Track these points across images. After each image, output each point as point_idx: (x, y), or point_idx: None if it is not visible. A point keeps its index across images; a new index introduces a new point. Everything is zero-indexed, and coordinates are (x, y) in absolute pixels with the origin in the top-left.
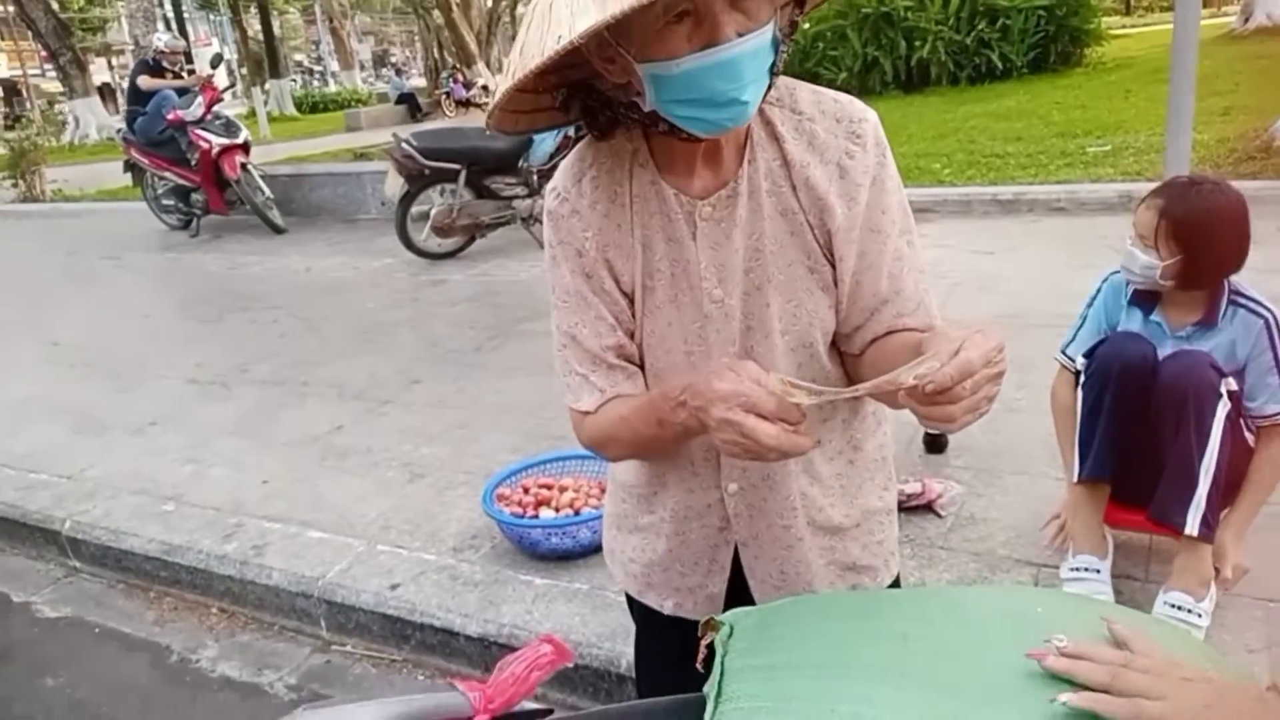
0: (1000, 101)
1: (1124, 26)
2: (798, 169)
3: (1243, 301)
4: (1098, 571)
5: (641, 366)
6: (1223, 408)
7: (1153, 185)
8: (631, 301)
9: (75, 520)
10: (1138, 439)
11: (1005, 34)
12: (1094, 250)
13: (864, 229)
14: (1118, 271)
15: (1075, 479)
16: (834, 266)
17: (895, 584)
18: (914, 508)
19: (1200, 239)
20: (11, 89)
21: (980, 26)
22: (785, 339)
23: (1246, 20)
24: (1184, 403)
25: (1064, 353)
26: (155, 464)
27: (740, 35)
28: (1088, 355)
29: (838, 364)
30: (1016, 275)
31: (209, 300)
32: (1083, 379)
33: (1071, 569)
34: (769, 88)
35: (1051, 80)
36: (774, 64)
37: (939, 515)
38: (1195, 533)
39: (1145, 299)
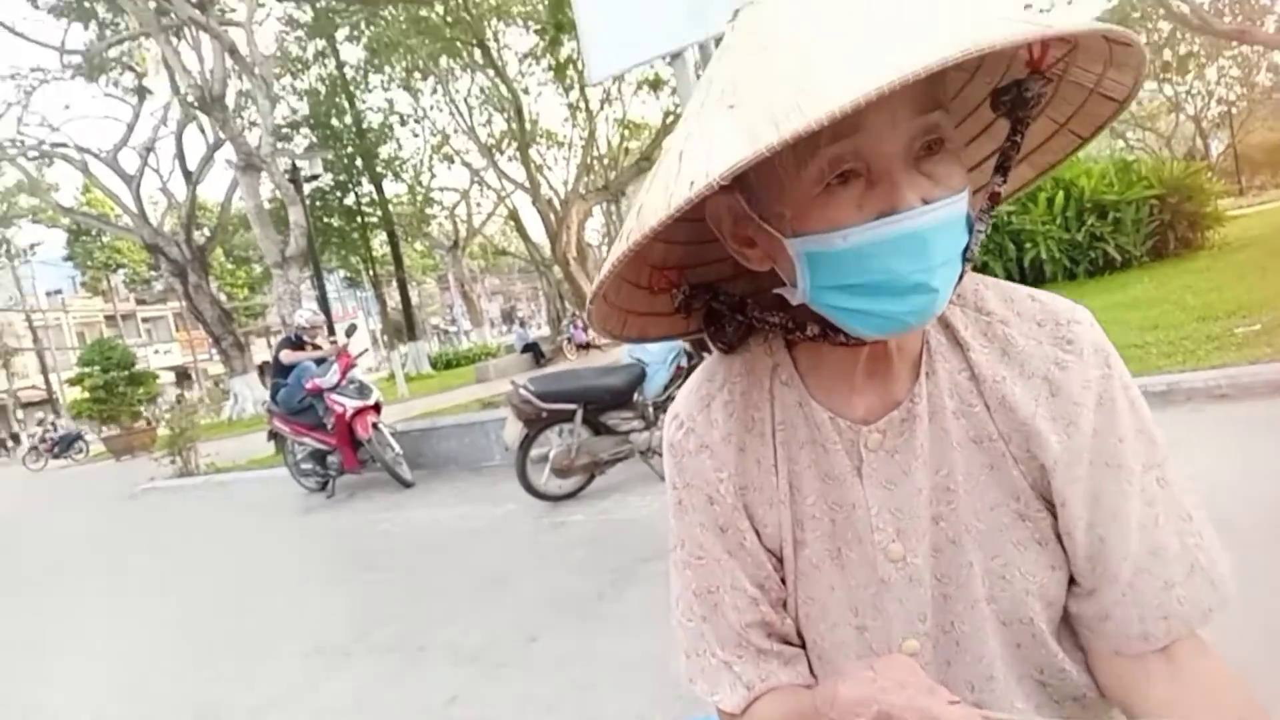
0: (1125, 291)
1: (1240, 207)
2: (990, 384)
3: None
4: None
5: (804, 644)
6: None
7: None
8: (781, 560)
9: None
10: None
11: (1118, 226)
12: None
13: (1094, 464)
14: None
15: None
16: (1054, 514)
17: None
18: None
19: None
20: (182, 374)
21: (1090, 222)
22: (993, 608)
23: None
24: None
25: None
26: None
27: (926, 203)
28: None
29: (1080, 662)
30: (1202, 474)
31: (338, 562)
32: None
33: None
34: (960, 277)
35: (1176, 265)
36: (968, 247)
37: None
38: None
39: None
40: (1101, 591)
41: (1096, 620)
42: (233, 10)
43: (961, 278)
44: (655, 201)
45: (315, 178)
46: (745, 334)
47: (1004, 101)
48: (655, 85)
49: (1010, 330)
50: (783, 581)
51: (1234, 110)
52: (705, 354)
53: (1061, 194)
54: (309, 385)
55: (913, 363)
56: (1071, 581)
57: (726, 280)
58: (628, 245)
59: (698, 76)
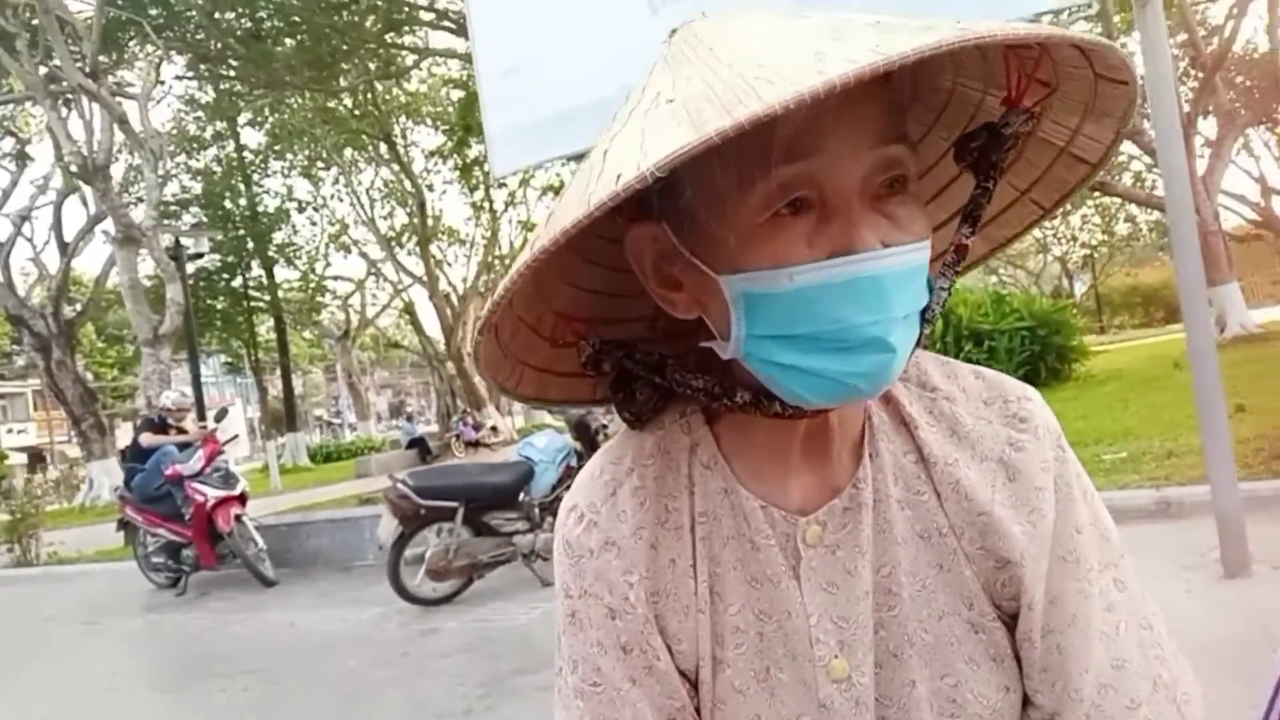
0: None
1: (1102, 344)
2: (941, 467)
3: None
4: None
5: None
6: None
7: (1187, 489)
8: (695, 686)
9: None
10: None
11: (993, 354)
12: (1157, 559)
13: (1053, 559)
14: None
15: None
16: (1009, 626)
17: None
18: None
19: None
20: (37, 456)
21: (967, 349)
22: None
23: (1222, 330)
24: None
25: None
26: None
27: (886, 246)
28: None
29: None
30: None
31: (180, 667)
32: None
33: None
34: (918, 343)
35: (1046, 394)
36: (929, 308)
37: None
38: None
39: None
40: (1063, 715)
41: None
42: (131, 85)
43: (919, 343)
44: (570, 203)
45: (200, 255)
46: (659, 407)
47: (972, 149)
48: (559, 191)
49: (957, 409)
50: (697, 712)
51: (1095, 254)
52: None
53: (940, 321)
54: (169, 471)
55: (854, 442)
56: (1025, 704)
57: (643, 342)
58: (531, 254)
59: None
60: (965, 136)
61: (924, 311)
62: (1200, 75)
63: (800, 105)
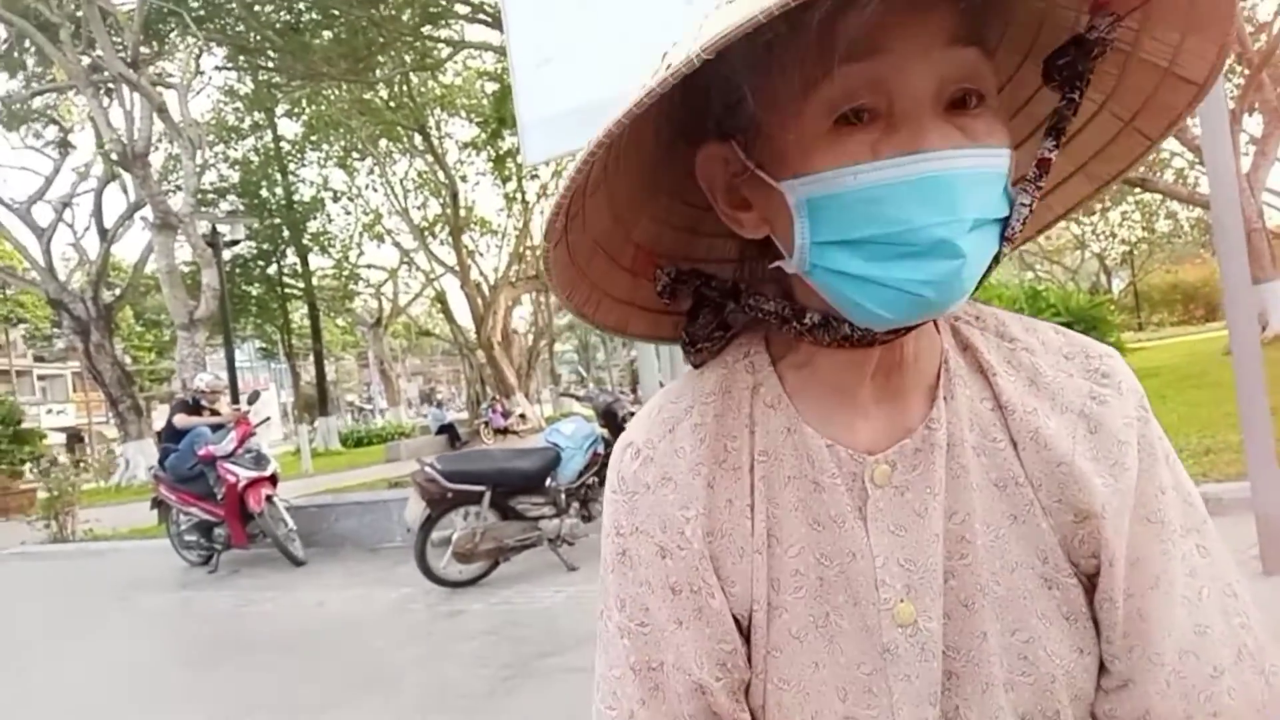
0: None
1: (1139, 341)
2: (1020, 415)
3: None
4: None
5: None
6: None
7: (1225, 486)
8: (746, 633)
9: None
10: None
11: None
12: None
13: (1135, 518)
14: None
15: None
16: (1086, 586)
17: None
18: None
19: None
20: (75, 436)
21: None
22: (1010, 696)
23: (1264, 328)
24: None
25: None
26: None
27: (956, 148)
28: None
29: None
30: None
31: (211, 644)
32: None
33: None
34: (997, 260)
35: None
36: (1007, 221)
37: None
38: None
39: None
40: (1140, 681)
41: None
42: (171, 76)
43: (998, 261)
44: (628, 97)
45: (236, 243)
46: (722, 342)
47: (1060, 66)
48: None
49: (1037, 360)
50: (749, 658)
51: (1135, 251)
52: None
53: None
54: (201, 452)
55: (928, 385)
56: (1100, 671)
57: (713, 262)
58: (588, 147)
59: None
60: (1053, 54)
61: (1003, 227)
62: (1246, 72)
63: None
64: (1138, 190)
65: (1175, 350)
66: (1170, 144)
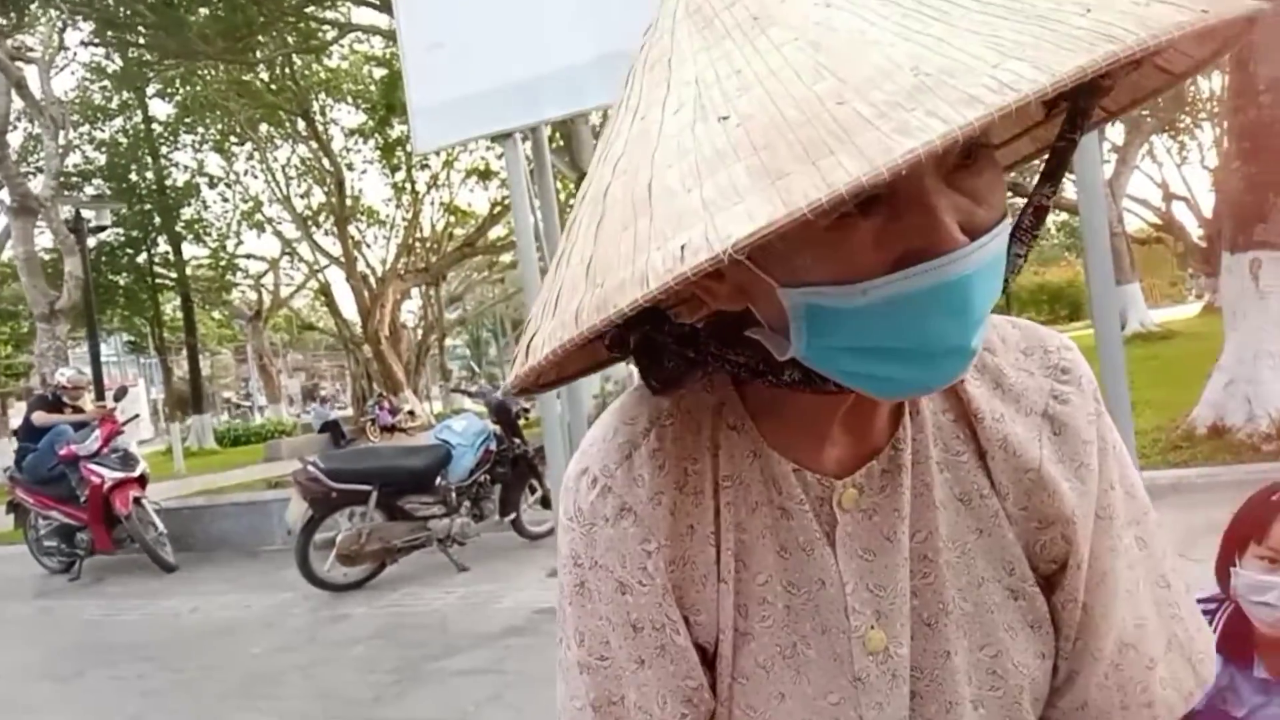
0: None
1: None
2: (988, 423)
3: None
4: None
5: None
6: None
7: None
8: (711, 662)
9: None
10: None
11: None
12: None
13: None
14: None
15: None
16: (1046, 590)
17: None
18: None
19: None
20: None
21: None
22: (979, 713)
23: (1123, 328)
24: None
25: None
26: None
27: (969, 235)
28: None
29: None
30: None
31: (73, 656)
32: None
33: None
34: None
35: None
36: (1007, 278)
37: None
38: None
39: (1239, 645)
40: (1082, 674)
41: (1070, 712)
42: (31, 50)
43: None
44: (614, 262)
45: (102, 229)
46: (682, 373)
47: (1067, 94)
48: (484, 175)
49: (999, 360)
50: (713, 690)
51: None
52: (515, 439)
53: None
54: (63, 451)
55: (893, 401)
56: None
57: (673, 307)
58: (561, 342)
59: (527, 159)
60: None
61: (1005, 284)
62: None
63: (931, 156)
64: (1009, 195)
65: None
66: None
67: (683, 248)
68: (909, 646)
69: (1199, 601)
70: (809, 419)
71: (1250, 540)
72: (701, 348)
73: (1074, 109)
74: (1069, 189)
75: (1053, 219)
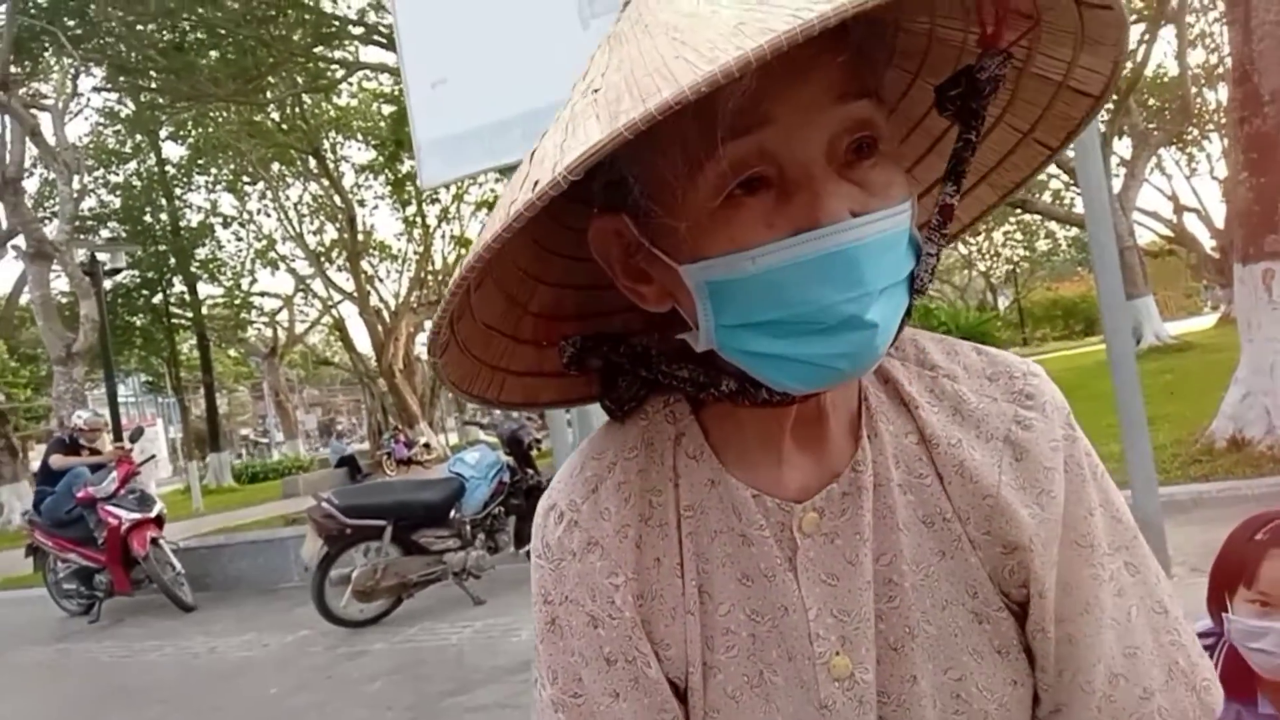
0: None
1: (1024, 356)
2: (944, 448)
3: None
4: None
5: None
6: None
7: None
8: (683, 695)
9: None
10: None
11: None
12: None
13: (1064, 544)
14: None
15: None
16: (1019, 615)
17: None
18: None
19: None
20: None
21: None
22: None
23: (1139, 341)
24: None
25: None
26: None
27: (856, 215)
28: None
29: None
30: None
31: (92, 699)
32: None
33: None
34: (907, 313)
35: None
36: (915, 275)
37: None
38: None
39: (1241, 682)
40: (1072, 707)
41: None
42: (46, 98)
43: (909, 314)
44: (496, 215)
45: (117, 271)
46: (642, 397)
47: (952, 97)
48: (494, 206)
49: (960, 387)
50: None
51: (1017, 269)
52: (529, 470)
53: None
54: (80, 494)
55: (849, 425)
56: (1035, 701)
57: (637, 333)
58: (459, 274)
59: None
60: (944, 85)
61: (912, 279)
62: (1115, 98)
63: (729, 77)
64: (1019, 211)
65: (1056, 364)
66: (1049, 167)
67: (535, 183)
68: (874, 672)
69: (1198, 636)
70: (762, 439)
71: (1239, 584)
72: (652, 366)
73: (965, 110)
74: (1076, 204)
75: (1063, 233)
